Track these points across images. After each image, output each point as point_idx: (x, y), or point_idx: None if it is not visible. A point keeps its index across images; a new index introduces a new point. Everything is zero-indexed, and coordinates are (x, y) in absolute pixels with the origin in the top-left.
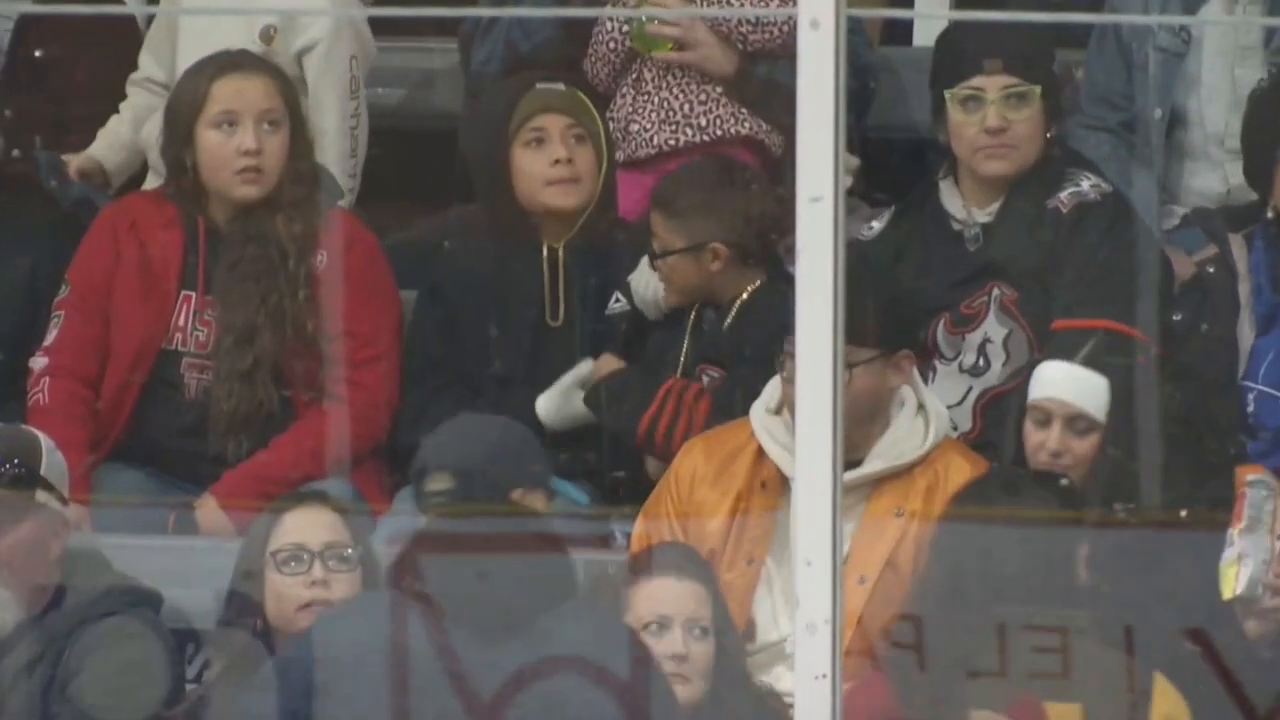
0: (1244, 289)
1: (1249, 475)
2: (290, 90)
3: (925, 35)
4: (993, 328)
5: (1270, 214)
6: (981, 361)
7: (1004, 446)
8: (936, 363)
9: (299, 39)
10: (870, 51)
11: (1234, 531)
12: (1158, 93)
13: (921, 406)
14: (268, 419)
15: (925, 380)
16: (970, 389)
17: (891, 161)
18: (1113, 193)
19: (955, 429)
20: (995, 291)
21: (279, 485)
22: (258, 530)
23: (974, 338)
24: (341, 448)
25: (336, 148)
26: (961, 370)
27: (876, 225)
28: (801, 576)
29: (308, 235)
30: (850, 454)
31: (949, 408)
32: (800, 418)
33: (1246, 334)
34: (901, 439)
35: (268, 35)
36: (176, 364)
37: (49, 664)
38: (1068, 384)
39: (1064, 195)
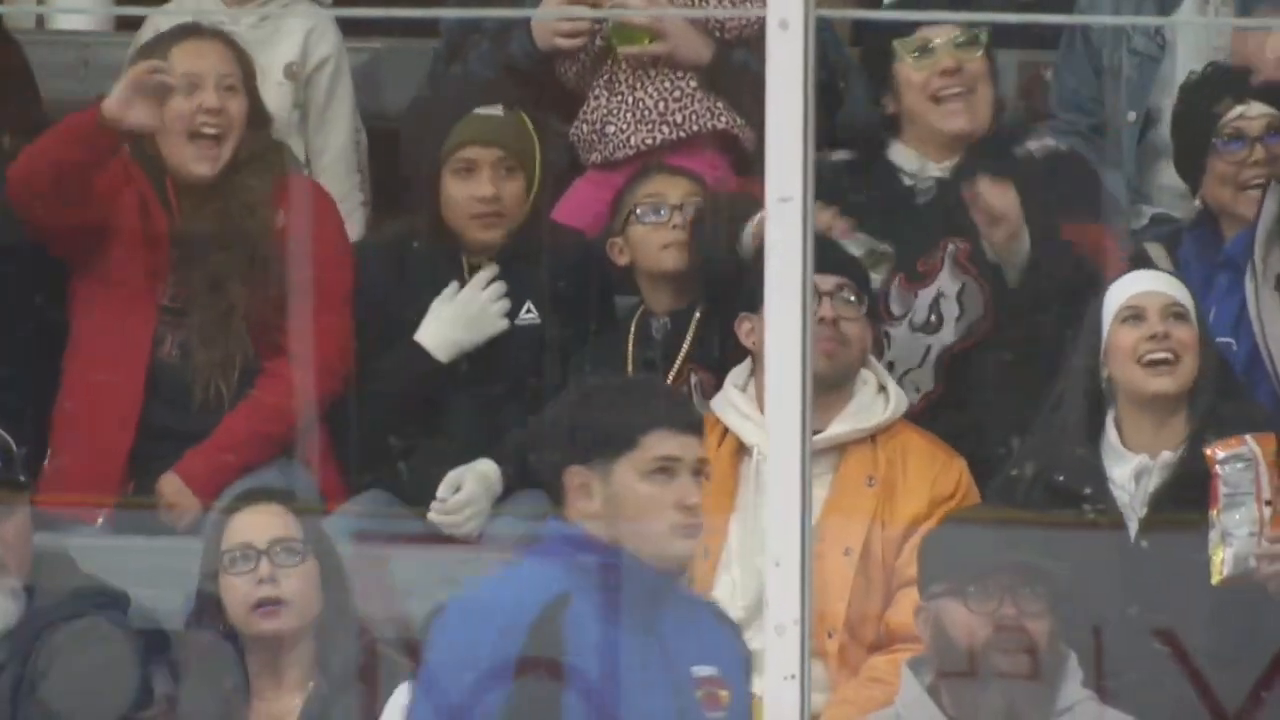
0: None
1: (1219, 453)
2: (245, 60)
3: None
4: (946, 282)
5: (1199, 204)
6: (934, 318)
7: (971, 405)
8: (888, 328)
9: (309, 60)
10: (842, 48)
11: (1213, 514)
12: (1132, 96)
13: (883, 387)
14: (245, 367)
15: (883, 348)
16: (929, 348)
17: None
18: (1079, 152)
19: (918, 390)
20: (950, 247)
21: (242, 449)
22: (211, 533)
23: (927, 293)
24: (300, 401)
25: (343, 163)
26: (914, 329)
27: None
28: (771, 578)
29: (270, 191)
30: (813, 425)
31: (909, 371)
32: (770, 417)
33: None
34: (863, 409)
35: (290, 72)
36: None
37: (17, 665)
38: (1155, 279)
39: (1033, 145)
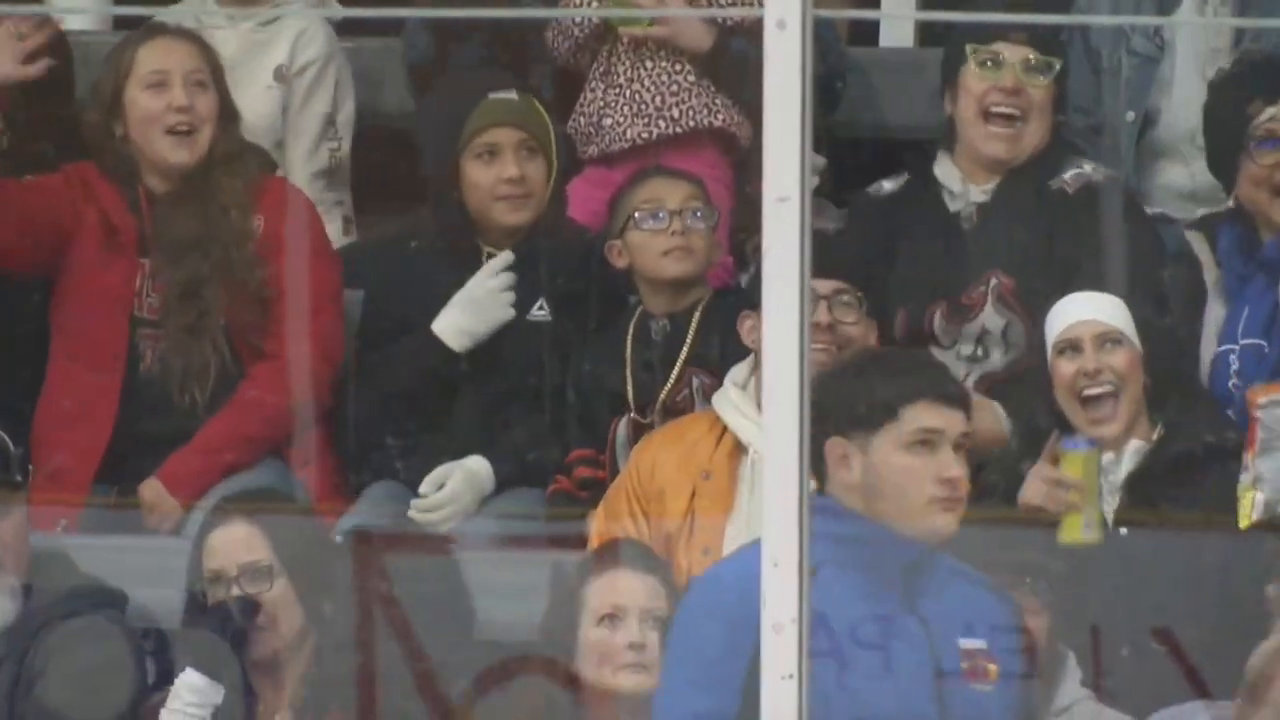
0: (1209, 275)
1: (1260, 398)
2: (213, 57)
3: (891, 36)
4: (991, 318)
5: (1232, 203)
6: (980, 351)
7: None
8: (934, 350)
9: (295, 63)
10: (840, 44)
11: (1248, 456)
12: (1131, 96)
13: None
14: (222, 375)
15: None
16: (970, 372)
17: (859, 162)
18: (1114, 175)
19: None
20: (993, 281)
21: (224, 451)
22: (194, 542)
23: (971, 328)
24: (291, 402)
25: (307, 168)
26: (960, 358)
27: (888, 186)
28: (768, 577)
29: (246, 192)
30: None
31: None
32: (767, 416)
33: (1218, 310)
34: None
35: (280, 74)
36: (133, 330)
37: (14, 664)
38: (1088, 305)
39: (1067, 176)
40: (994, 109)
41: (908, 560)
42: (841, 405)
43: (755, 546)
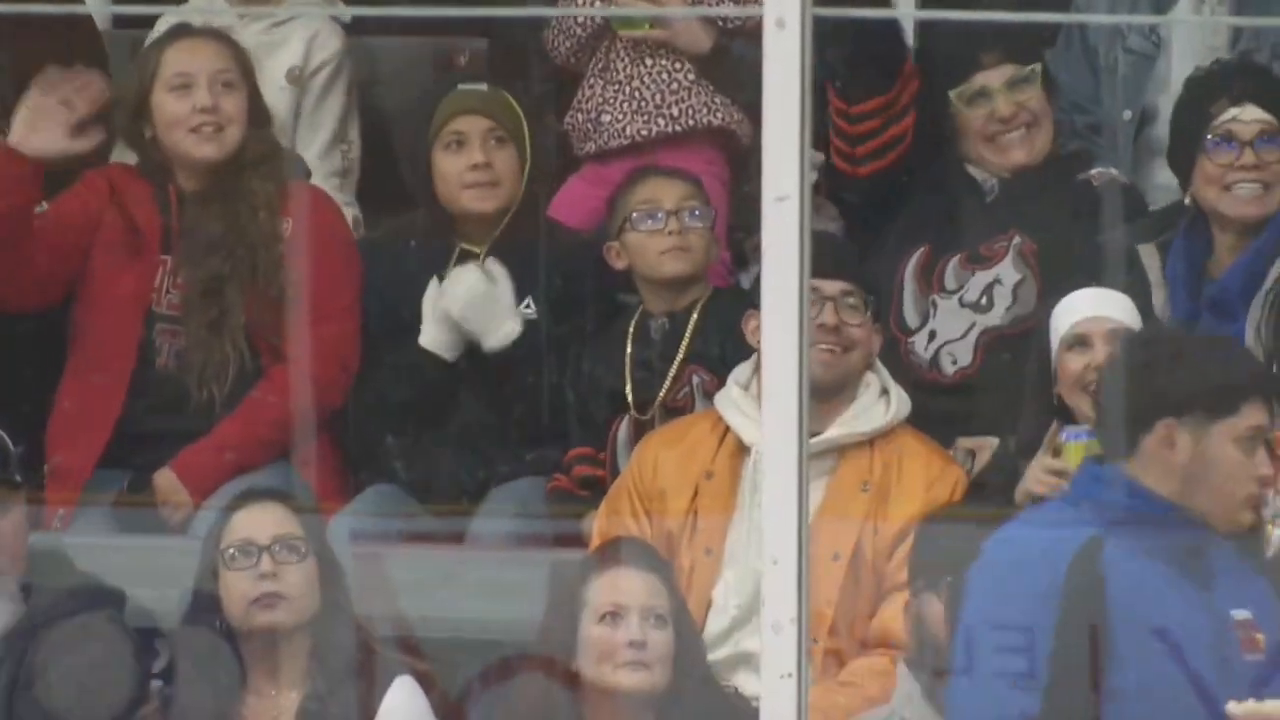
0: (1158, 297)
1: None
2: (243, 56)
3: None
4: (1007, 271)
5: (1188, 200)
6: (985, 300)
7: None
8: (937, 297)
9: (310, 64)
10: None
11: (1269, 493)
12: (1128, 94)
13: (885, 391)
14: (240, 373)
15: (927, 317)
16: (973, 325)
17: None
18: (1132, 184)
19: (954, 363)
20: (1016, 239)
21: (237, 450)
22: (211, 530)
23: (984, 276)
24: (300, 407)
25: (321, 168)
26: (963, 305)
27: None
28: (768, 576)
29: (275, 195)
30: (814, 427)
31: (949, 342)
32: (766, 415)
33: None
34: (862, 412)
35: (293, 76)
36: (150, 326)
37: (12, 664)
38: (1100, 302)
39: (1094, 172)
40: (1000, 138)
41: (1201, 542)
42: (1181, 388)
43: (1030, 523)
